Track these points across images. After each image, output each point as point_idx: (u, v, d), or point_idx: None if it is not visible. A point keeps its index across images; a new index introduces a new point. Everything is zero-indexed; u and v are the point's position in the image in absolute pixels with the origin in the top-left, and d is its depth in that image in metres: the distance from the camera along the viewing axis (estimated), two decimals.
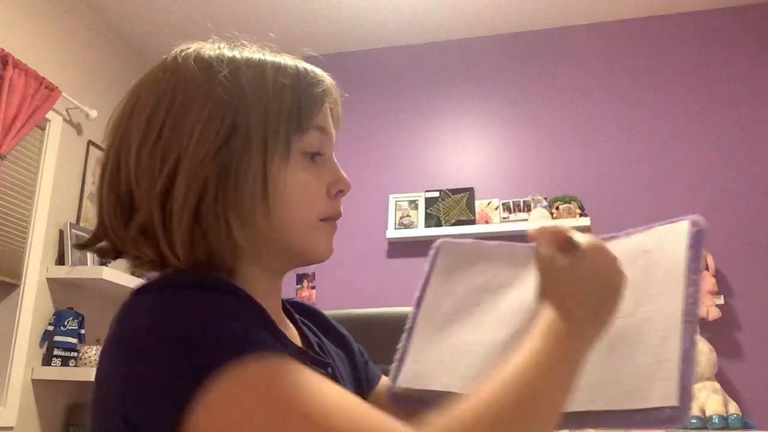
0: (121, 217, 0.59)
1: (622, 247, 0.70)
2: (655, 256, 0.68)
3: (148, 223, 0.58)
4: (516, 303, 0.73)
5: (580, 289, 0.58)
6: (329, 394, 0.47)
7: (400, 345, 0.76)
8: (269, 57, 0.64)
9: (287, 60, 0.65)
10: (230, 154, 0.57)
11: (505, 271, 0.76)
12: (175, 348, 0.47)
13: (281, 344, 0.54)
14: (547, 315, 0.58)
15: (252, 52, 0.64)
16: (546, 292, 0.61)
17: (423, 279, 0.80)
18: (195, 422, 0.45)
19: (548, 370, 0.53)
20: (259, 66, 0.62)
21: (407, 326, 0.77)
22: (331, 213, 0.66)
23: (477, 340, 0.72)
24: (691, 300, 0.61)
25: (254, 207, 0.58)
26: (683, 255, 0.65)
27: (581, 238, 0.61)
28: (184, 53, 0.63)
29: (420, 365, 0.72)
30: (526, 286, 0.74)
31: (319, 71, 0.66)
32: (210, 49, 0.64)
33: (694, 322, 0.60)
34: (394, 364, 0.75)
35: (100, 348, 2.66)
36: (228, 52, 0.63)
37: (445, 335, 0.74)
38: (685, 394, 0.56)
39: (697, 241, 0.66)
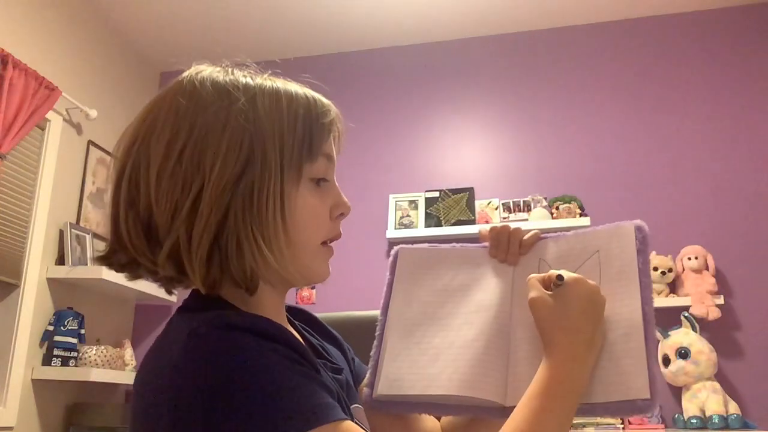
0: (142, 233, 0.62)
1: (572, 245, 0.77)
2: (605, 256, 0.75)
3: (175, 246, 0.60)
4: (477, 303, 0.78)
5: (572, 322, 0.67)
6: None
7: (373, 352, 0.79)
8: (281, 85, 0.67)
9: (297, 88, 0.68)
10: (250, 180, 0.60)
11: (462, 273, 0.82)
12: (258, 411, 0.52)
13: (324, 385, 0.58)
14: (548, 361, 0.66)
15: (264, 80, 0.67)
16: (544, 331, 0.68)
17: (386, 286, 0.84)
18: None
19: (555, 405, 0.63)
20: (274, 95, 0.65)
21: (377, 333, 0.81)
22: (332, 235, 0.70)
23: (447, 342, 0.76)
24: (647, 302, 0.69)
25: (276, 229, 0.61)
26: (634, 258, 0.72)
27: (566, 275, 0.69)
28: (199, 76, 0.65)
29: (396, 371, 0.76)
30: (483, 285, 0.80)
31: (325, 100, 0.70)
32: (223, 73, 0.66)
33: (652, 322, 0.68)
34: (369, 371, 0.79)
35: (99, 348, 2.66)
36: (242, 79, 0.66)
37: (415, 339, 0.78)
38: (654, 386, 0.64)
39: (644, 246, 0.73)
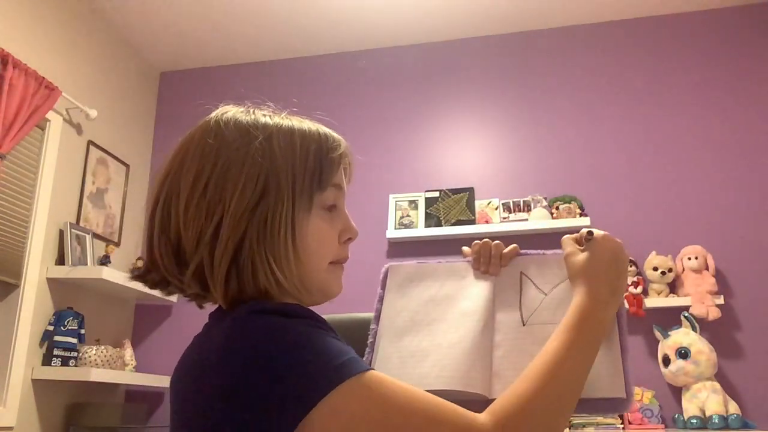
0: (172, 256, 0.71)
1: (551, 264, 0.87)
2: None
3: (199, 267, 0.69)
4: (461, 309, 0.85)
5: (599, 271, 0.77)
6: (414, 391, 0.61)
7: (366, 358, 0.86)
8: (296, 123, 0.75)
9: (310, 126, 0.76)
10: (264, 210, 0.68)
11: (448, 284, 0.90)
12: (299, 376, 0.59)
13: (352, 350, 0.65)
14: (577, 300, 0.76)
15: (282, 119, 0.75)
16: (574, 279, 0.79)
17: (377, 300, 0.92)
18: (320, 423, 0.57)
19: (581, 338, 0.71)
20: (289, 133, 0.73)
21: (369, 340, 0.88)
22: (340, 258, 0.77)
23: (434, 344, 0.83)
24: (622, 315, 0.80)
25: (287, 252, 0.68)
26: None
27: (595, 232, 0.80)
28: (224, 117, 0.74)
29: (387, 372, 0.82)
30: (467, 294, 0.87)
31: (336, 136, 0.77)
32: (245, 113, 0.75)
33: (625, 333, 0.79)
34: None
35: (99, 348, 2.66)
36: (262, 118, 0.74)
37: (405, 344, 0.85)
38: (629, 387, 0.74)
39: None
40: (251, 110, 0.76)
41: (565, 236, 0.84)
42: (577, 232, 0.85)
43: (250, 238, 0.67)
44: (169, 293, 0.74)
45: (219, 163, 0.69)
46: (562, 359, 0.68)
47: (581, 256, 0.79)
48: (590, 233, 0.80)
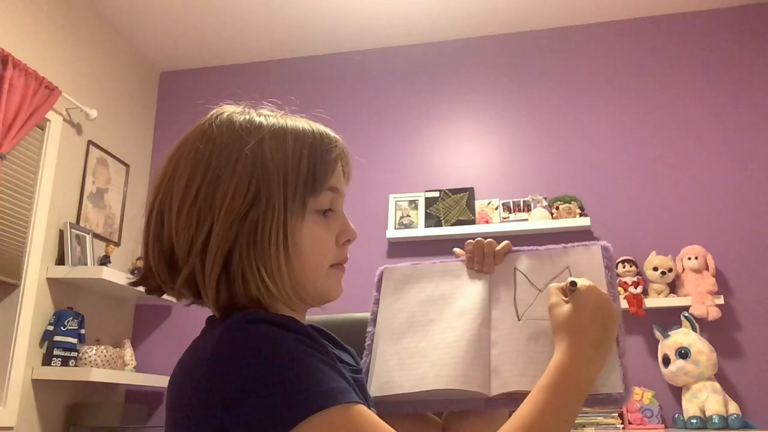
0: (165, 264, 0.70)
1: (544, 260, 0.87)
2: (575, 271, 0.84)
3: (190, 275, 0.68)
4: (458, 309, 0.86)
5: (582, 325, 0.73)
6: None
7: (364, 360, 0.87)
8: (291, 124, 0.73)
9: (305, 126, 0.73)
10: (255, 217, 0.67)
11: (443, 284, 0.90)
12: (282, 392, 0.57)
13: (342, 374, 0.64)
14: (557, 357, 0.72)
15: (276, 119, 0.73)
16: (556, 332, 0.75)
17: (373, 302, 0.92)
18: None
19: (559, 400, 0.67)
20: (281, 136, 0.71)
21: (367, 343, 0.88)
22: (339, 260, 0.75)
23: (432, 345, 0.83)
24: (617, 311, 0.78)
25: (279, 260, 0.67)
26: (602, 273, 0.82)
27: (579, 282, 0.76)
28: (218, 120, 0.72)
29: (386, 374, 0.83)
30: (463, 293, 0.88)
31: (332, 134, 0.75)
32: (240, 115, 0.73)
33: (622, 327, 0.78)
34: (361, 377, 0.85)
35: (99, 348, 2.66)
36: (255, 119, 0.72)
37: (403, 345, 0.85)
38: (627, 382, 0.74)
39: (611, 263, 0.83)
40: (246, 110, 0.74)
41: (551, 285, 0.80)
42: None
43: (240, 247, 0.66)
44: (169, 296, 0.74)
45: (210, 169, 0.68)
46: (535, 424, 0.65)
47: (564, 308, 0.75)
48: (573, 284, 0.76)
